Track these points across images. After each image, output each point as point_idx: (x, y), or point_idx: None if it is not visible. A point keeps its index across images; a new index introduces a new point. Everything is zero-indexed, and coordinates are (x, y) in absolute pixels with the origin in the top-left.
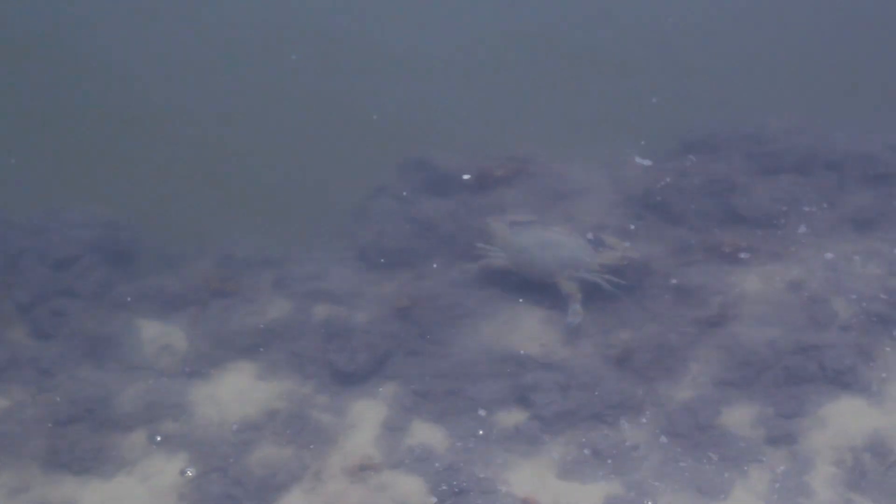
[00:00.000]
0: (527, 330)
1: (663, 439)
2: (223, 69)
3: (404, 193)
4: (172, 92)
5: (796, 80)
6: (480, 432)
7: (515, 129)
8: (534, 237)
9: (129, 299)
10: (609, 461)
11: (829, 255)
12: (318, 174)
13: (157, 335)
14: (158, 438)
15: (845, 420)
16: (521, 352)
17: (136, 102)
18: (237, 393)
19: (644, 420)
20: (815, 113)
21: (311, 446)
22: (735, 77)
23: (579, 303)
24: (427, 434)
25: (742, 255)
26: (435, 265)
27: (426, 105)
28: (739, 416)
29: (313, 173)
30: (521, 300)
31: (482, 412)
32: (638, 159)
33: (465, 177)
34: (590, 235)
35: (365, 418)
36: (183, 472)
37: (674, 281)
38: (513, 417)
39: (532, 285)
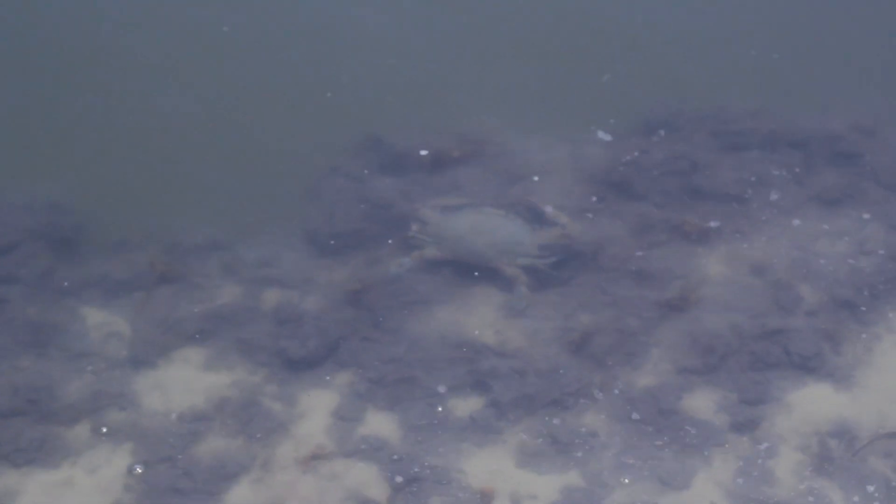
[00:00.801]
0: (482, 314)
1: (623, 426)
2: (169, 39)
3: (358, 173)
4: (117, 64)
5: (759, 63)
6: (435, 420)
7: (473, 108)
8: (467, 223)
9: (72, 286)
10: (567, 450)
11: (794, 232)
12: (269, 154)
13: (102, 323)
14: (104, 430)
15: (811, 406)
16: (477, 337)
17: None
18: (185, 382)
19: (603, 407)
20: (778, 95)
21: (261, 436)
22: (698, 59)
23: (525, 285)
24: (381, 422)
25: (710, 227)
26: (388, 248)
27: (381, 82)
28: (702, 403)
29: (264, 153)
30: (475, 284)
31: (436, 400)
32: (600, 134)
33: (423, 152)
34: (529, 208)
35: (316, 407)
36: (131, 469)
37: (634, 263)
38: (469, 405)
39: (486, 268)
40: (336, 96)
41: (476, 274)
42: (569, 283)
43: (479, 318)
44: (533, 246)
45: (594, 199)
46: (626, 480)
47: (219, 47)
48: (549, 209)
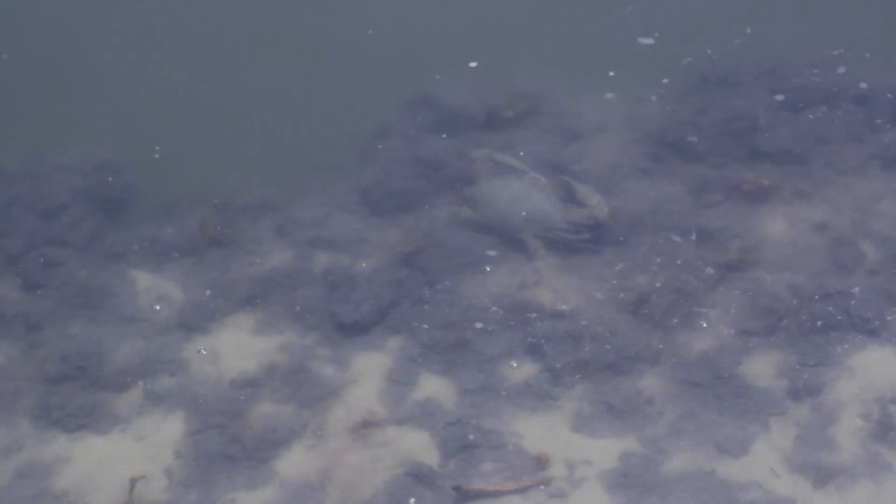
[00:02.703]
0: (539, 276)
1: (680, 391)
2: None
3: (410, 132)
4: (167, 26)
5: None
6: (489, 385)
7: (526, 64)
8: (506, 189)
9: (122, 249)
10: (624, 415)
11: (856, 192)
12: (320, 113)
13: (152, 287)
14: (154, 395)
15: (873, 370)
16: (533, 300)
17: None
18: (236, 347)
19: (661, 371)
20: (838, 46)
21: (312, 402)
22: (755, 10)
23: (542, 261)
24: (434, 387)
25: (769, 186)
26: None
27: (433, 37)
28: (761, 367)
29: (315, 112)
30: (533, 243)
31: (491, 364)
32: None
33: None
34: (563, 186)
35: (369, 371)
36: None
37: (692, 223)
38: (524, 370)
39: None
40: (388, 53)
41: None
42: (626, 244)
43: (533, 278)
44: (560, 221)
45: (650, 159)
46: (684, 446)
47: (269, 7)
48: (582, 188)
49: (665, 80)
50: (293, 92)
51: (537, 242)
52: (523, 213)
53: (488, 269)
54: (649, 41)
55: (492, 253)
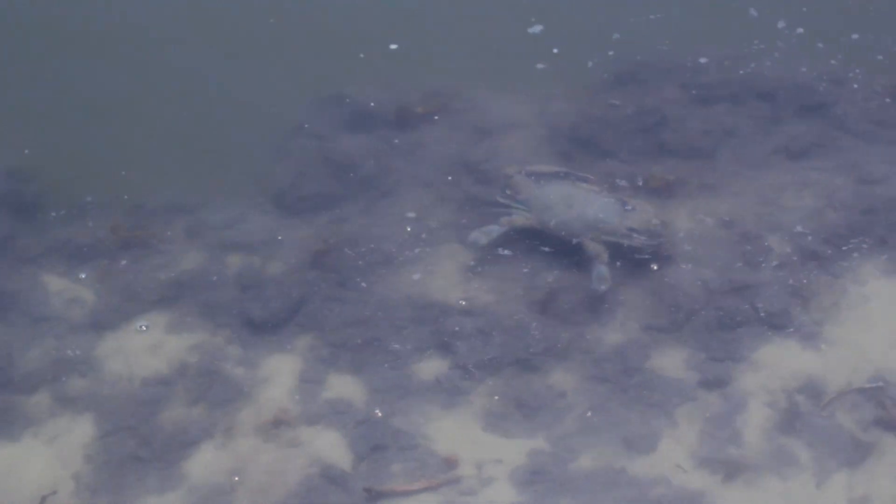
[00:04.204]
0: (448, 275)
1: (589, 386)
2: None
3: (323, 132)
4: (74, 26)
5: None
6: (400, 384)
7: (437, 62)
8: (560, 193)
9: (33, 253)
10: (534, 412)
11: (762, 186)
12: (233, 115)
13: (64, 289)
14: (65, 397)
15: (779, 363)
16: (442, 298)
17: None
18: (147, 347)
19: (570, 367)
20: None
21: (223, 402)
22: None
23: (605, 265)
24: (345, 386)
25: (675, 181)
26: (353, 208)
27: (345, 36)
28: (670, 361)
29: (228, 114)
30: (441, 243)
31: (401, 363)
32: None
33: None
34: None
35: (280, 371)
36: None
37: None
38: (434, 367)
39: (468, 227)
40: (301, 53)
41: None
42: (539, 240)
43: (445, 278)
44: (622, 226)
45: (561, 156)
46: (593, 442)
47: (180, 6)
48: (632, 199)
49: (576, 78)
50: (204, 91)
51: (597, 245)
52: (583, 217)
53: (400, 267)
54: (537, 29)
55: (406, 253)
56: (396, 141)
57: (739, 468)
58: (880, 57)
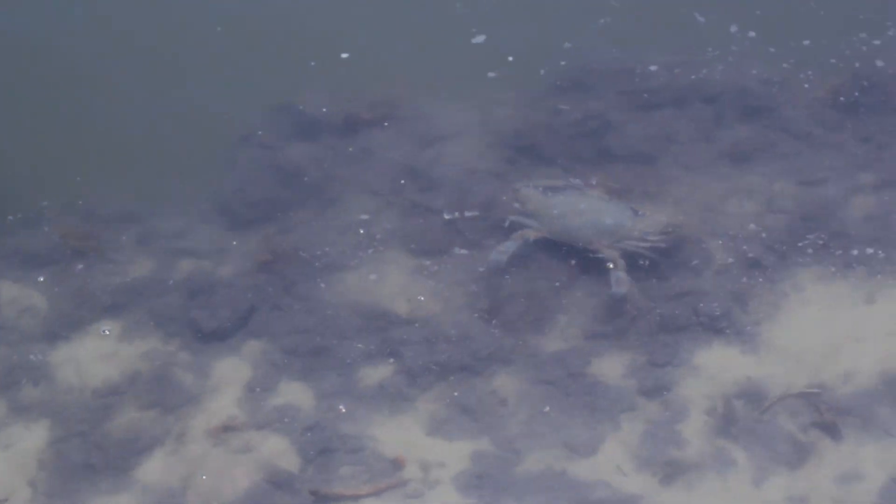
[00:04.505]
0: (395, 282)
1: (532, 392)
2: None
3: (270, 141)
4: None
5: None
6: (347, 390)
7: (390, 70)
8: (570, 203)
9: None
10: (477, 416)
11: (703, 191)
12: (183, 124)
13: (16, 297)
14: (18, 405)
15: (719, 367)
16: (389, 305)
17: None
18: (99, 355)
19: (513, 372)
20: (698, 51)
21: (174, 408)
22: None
23: (623, 270)
24: (293, 393)
25: (617, 188)
26: (301, 216)
27: (296, 45)
28: (611, 367)
29: (178, 123)
30: (389, 249)
31: (348, 369)
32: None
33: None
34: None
35: (229, 378)
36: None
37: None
38: (380, 373)
39: (413, 234)
40: (251, 62)
41: (402, 238)
42: (482, 246)
43: (392, 285)
44: (636, 231)
45: (505, 162)
46: (536, 446)
47: (130, 13)
48: (650, 210)
49: (526, 85)
50: (156, 100)
51: (612, 252)
52: (596, 225)
53: (348, 274)
54: (481, 39)
55: (354, 259)
56: (344, 148)
57: (679, 469)
58: (833, 60)
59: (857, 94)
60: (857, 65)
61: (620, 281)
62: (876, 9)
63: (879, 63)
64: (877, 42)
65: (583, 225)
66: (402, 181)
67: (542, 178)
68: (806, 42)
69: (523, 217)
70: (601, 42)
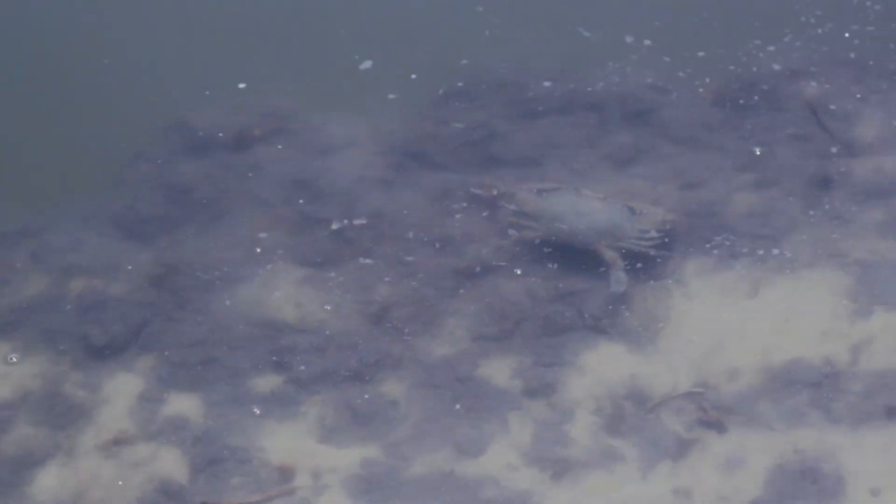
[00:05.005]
0: (285, 293)
1: (421, 395)
2: None
3: (161, 157)
4: None
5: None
6: (237, 400)
7: (273, 83)
8: (567, 204)
9: None
10: (367, 422)
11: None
12: (77, 139)
13: None
14: None
15: (604, 367)
16: (279, 315)
17: None
18: None
19: (402, 377)
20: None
21: (65, 424)
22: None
23: (622, 269)
24: (183, 404)
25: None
26: (192, 230)
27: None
28: (498, 369)
29: (72, 138)
30: (277, 260)
31: (238, 379)
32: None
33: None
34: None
35: (120, 392)
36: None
37: (433, 232)
38: (270, 382)
39: (302, 245)
40: (141, 79)
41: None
42: (371, 254)
43: (280, 295)
44: (633, 230)
45: (394, 169)
46: (425, 448)
47: (22, 32)
48: (637, 203)
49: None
50: (50, 118)
51: (611, 252)
52: (595, 225)
53: (238, 286)
54: (368, 65)
55: (243, 272)
56: (235, 164)
57: (567, 466)
58: (732, 67)
59: (740, 95)
60: (755, 69)
61: (620, 280)
62: (772, 17)
63: (776, 67)
64: (771, 48)
65: (582, 226)
66: (292, 193)
67: (536, 181)
68: (701, 54)
69: (523, 219)
70: (497, 56)
